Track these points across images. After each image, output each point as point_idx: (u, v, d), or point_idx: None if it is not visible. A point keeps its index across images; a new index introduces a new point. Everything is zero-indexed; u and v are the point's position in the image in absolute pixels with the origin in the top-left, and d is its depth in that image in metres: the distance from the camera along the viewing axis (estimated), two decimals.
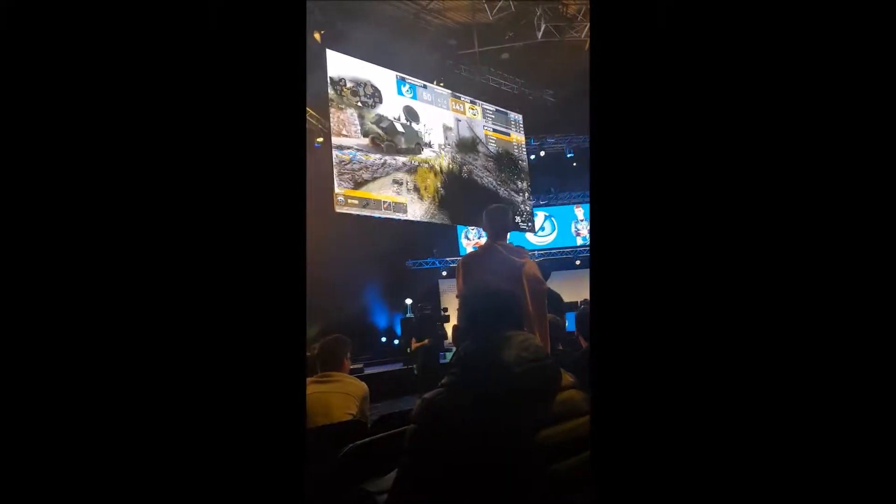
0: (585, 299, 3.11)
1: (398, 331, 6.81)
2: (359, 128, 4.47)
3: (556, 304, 3.23)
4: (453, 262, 7.67)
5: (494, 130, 6.18)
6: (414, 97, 5.14)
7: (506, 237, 2.25)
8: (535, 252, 7.09)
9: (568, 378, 1.02)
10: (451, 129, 5.44)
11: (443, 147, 5.27)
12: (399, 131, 4.84)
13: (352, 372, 1.96)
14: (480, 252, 2.21)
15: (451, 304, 7.12)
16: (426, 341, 4.26)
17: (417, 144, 4.98)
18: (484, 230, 2.22)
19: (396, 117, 4.87)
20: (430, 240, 7.22)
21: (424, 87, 5.29)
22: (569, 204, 8.18)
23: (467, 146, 5.56)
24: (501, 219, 2.27)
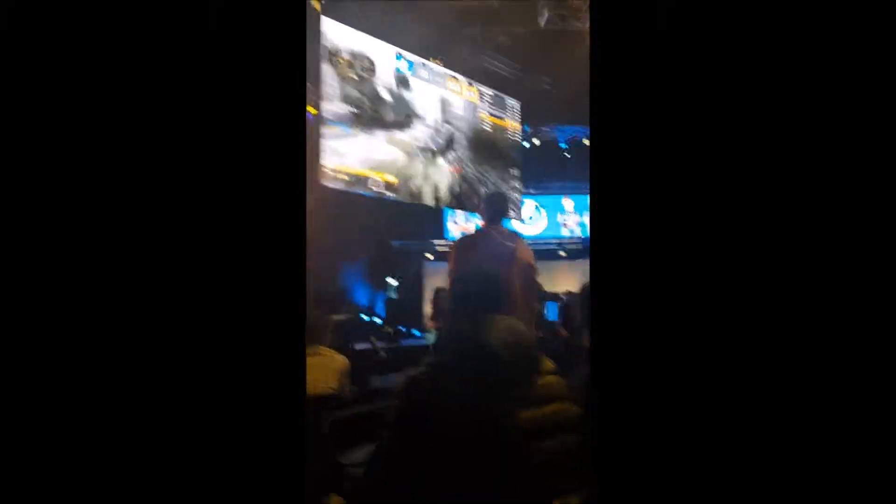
0: (568, 291, 3.14)
1: (380, 311, 6.79)
2: (338, 92, 4.14)
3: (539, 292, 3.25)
4: (439, 245, 7.65)
5: (490, 114, 6.12)
6: (412, 72, 5.04)
7: (500, 222, 2.25)
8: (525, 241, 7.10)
9: (548, 364, 1.03)
10: (448, 105, 5.34)
11: (438, 123, 5.17)
12: (386, 100, 4.52)
13: (340, 349, 1.97)
14: (475, 235, 2.21)
15: (434, 287, 7.12)
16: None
17: (408, 117, 4.70)
18: (479, 214, 2.23)
19: (385, 86, 4.64)
20: (417, 221, 7.18)
21: (423, 64, 5.19)
22: (558, 194, 8.20)
23: (462, 127, 5.49)
24: (499, 204, 2.29)
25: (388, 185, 4.65)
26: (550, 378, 1.04)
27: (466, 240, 2.22)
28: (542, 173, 7.82)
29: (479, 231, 2.13)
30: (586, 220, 8.29)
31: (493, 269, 1.14)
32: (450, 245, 1.74)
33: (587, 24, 5.44)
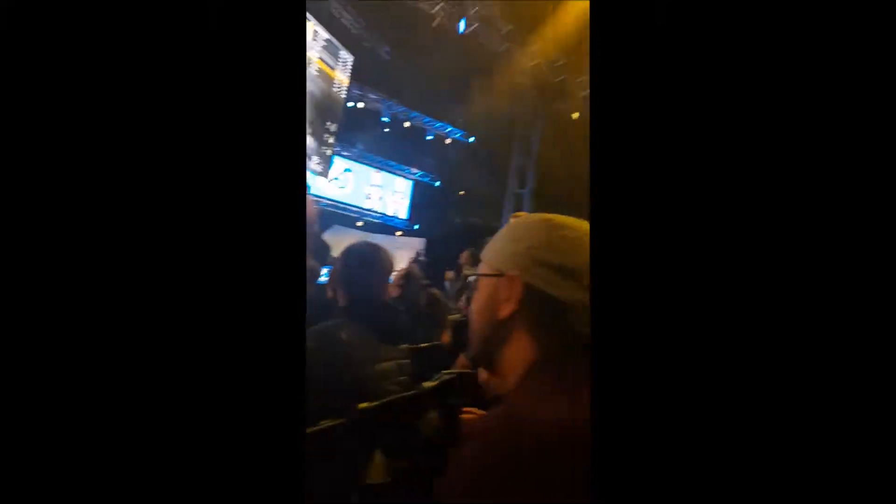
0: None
1: None
2: None
3: (323, 254, 3.18)
4: None
5: (320, 59, 5.72)
6: None
7: None
8: (322, 201, 6.87)
9: None
10: None
11: None
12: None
13: None
14: None
15: None
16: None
17: None
18: None
19: None
20: None
21: None
22: (370, 165, 8.21)
23: None
24: None
25: None
26: None
27: None
28: (359, 139, 7.71)
29: None
30: (391, 198, 8.50)
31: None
32: None
33: (437, 7, 5.53)
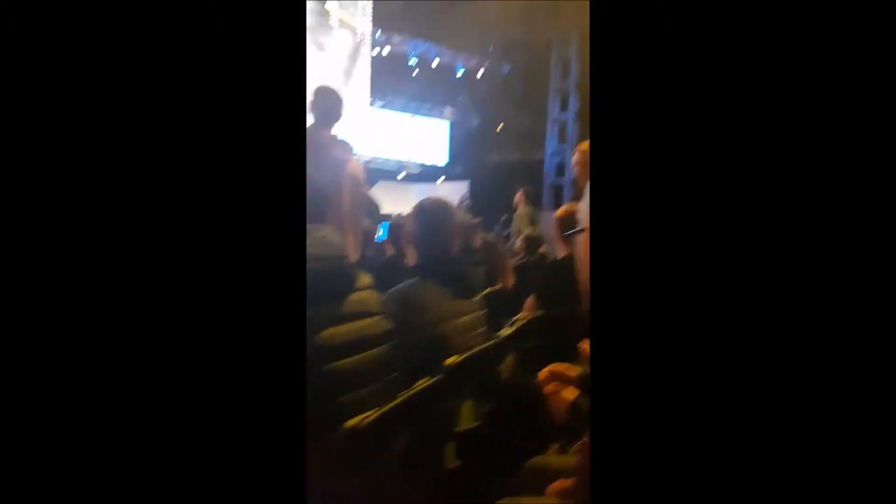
0: (400, 213, 3.14)
1: None
2: None
3: (374, 212, 3.20)
4: None
5: (341, 7, 5.49)
6: None
7: (331, 128, 2.02)
8: (363, 157, 6.84)
9: (365, 279, 0.99)
10: None
11: None
12: None
13: None
14: None
15: None
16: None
17: None
18: (310, 111, 1.95)
19: None
20: None
21: None
22: (404, 112, 8.01)
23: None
24: (332, 104, 2.00)
25: None
26: (364, 294, 0.99)
27: None
28: (389, 88, 7.50)
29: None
30: (428, 144, 8.35)
31: (319, 178, 1.01)
32: None
33: None
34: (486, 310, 1.38)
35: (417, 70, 7.37)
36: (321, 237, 0.90)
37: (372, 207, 3.14)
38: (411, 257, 1.28)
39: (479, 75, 7.90)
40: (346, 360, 0.87)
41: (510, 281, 1.90)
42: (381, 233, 3.03)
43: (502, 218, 5.00)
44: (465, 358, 1.13)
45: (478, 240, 2.06)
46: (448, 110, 8.41)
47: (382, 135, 7.84)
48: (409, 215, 1.32)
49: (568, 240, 1.62)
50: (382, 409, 0.82)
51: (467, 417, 1.25)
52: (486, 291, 1.56)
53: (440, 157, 8.55)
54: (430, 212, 1.26)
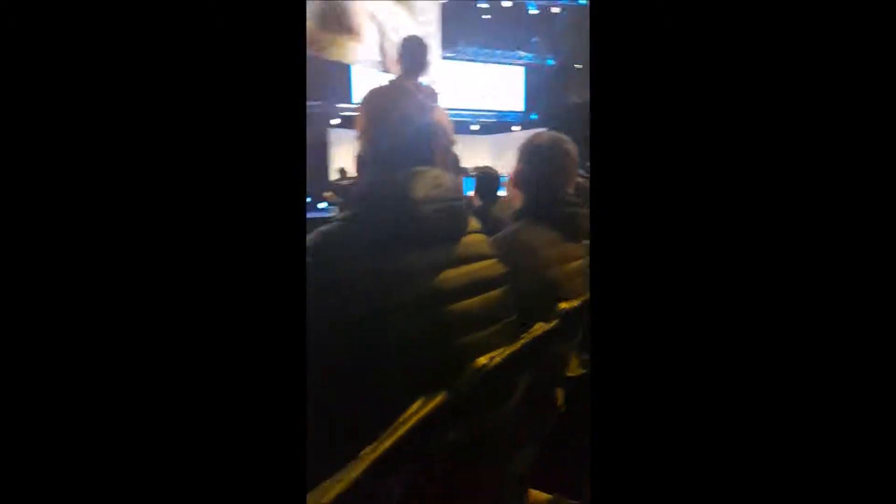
0: (484, 166, 3.08)
1: None
2: None
3: (456, 166, 3.15)
4: (344, 109, 7.03)
5: None
6: None
7: (418, 76, 1.99)
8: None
9: (474, 223, 0.96)
10: None
11: None
12: None
13: None
14: (388, 87, 1.95)
15: (341, 158, 6.70)
16: None
17: None
18: (393, 69, 1.95)
19: None
20: (320, 80, 6.43)
21: None
22: (476, 60, 7.73)
23: None
24: (419, 53, 1.97)
25: None
26: (476, 237, 0.96)
27: (378, 92, 1.94)
28: (459, 36, 7.23)
29: (393, 84, 1.87)
30: (504, 91, 8.02)
31: (416, 121, 0.98)
32: (361, 102, 1.45)
33: None
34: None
35: (488, 14, 7.01)
36: (434, 177, 0.87)
37: (454, 161, 3.11)
38: (518, 200, 1.22)
39: (553, 10, 7.35)
40: (466, 302, 0.85)
41: None
42: (466, 189, 3.00)
43: (586, 164, 4.74)
44: (578, 304, 1.08)
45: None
46: (522, 54, 7.96)
47: (455, 86, 7.64)
48: (520, 153, 1.26)
49: None
50: (508, 350, 0.80)
51: (575, 364, 1.22)
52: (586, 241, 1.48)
53: (516, 104, 8.21)
54: (543, 150, 1.19)
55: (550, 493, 1.22)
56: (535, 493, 1.10)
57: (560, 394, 1.19)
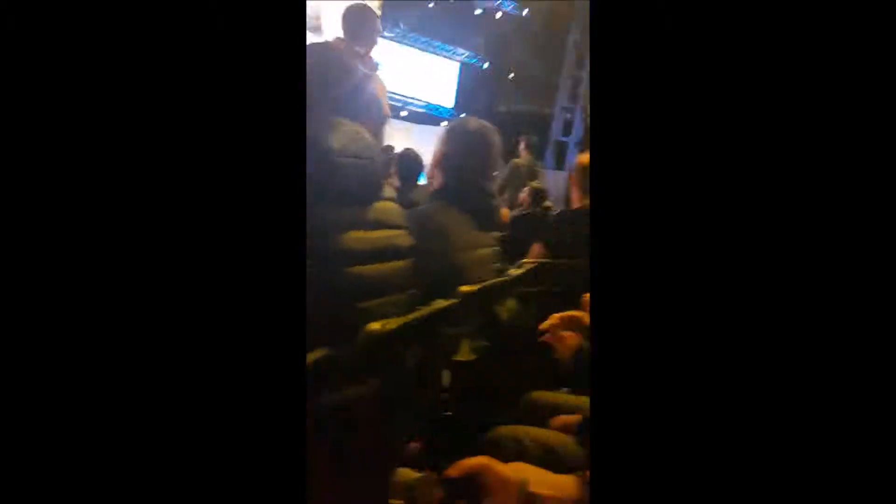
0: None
1: None
2: None
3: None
4: None
5: None
6: None
7: (362, 46, 1.91)
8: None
9: (389, 190, 0.95)
10: None
11: None
12: None
13: None
14: (335, 43, 1.83)
15: None
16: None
17: None
18: (343, 27, 1.85)
19: None
20: None
21: None
22: (414, 46, 7.64)
23: None
24: (369, 21, 1.91)
25: None
26: (389, 204, 0.95)
27: (325, 46, 1.88)
28: (401, 18, 7.08)
29: (337, 41, 1.78)
30: (436, 84, 8.02)
31: (355, 85, 0.97)
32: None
33: None
34: (500, 247, 1.35)
35: (434, 3, 6.97)
36: (354, 131, 0.83)
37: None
38: (437, 181, 1.22)
39: (497, 15, 7.51)
40: (369, 267, 0.83)
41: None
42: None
43: (539, 169, 4.87)
44: (478, 289, 1.11)
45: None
46: (461, 51, 8.03)
47: (389, 67, 7.47)
48: (443, 136, 1.25)
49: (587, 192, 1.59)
50: (404, 320, 0.79)
51: (465, 349, 1.25)
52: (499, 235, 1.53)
53: (446, 100, 8.25)
54: (470, 134, 1.19)
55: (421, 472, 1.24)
56: (404, 472, 1.11)
57: (446, 375, 1.21)
